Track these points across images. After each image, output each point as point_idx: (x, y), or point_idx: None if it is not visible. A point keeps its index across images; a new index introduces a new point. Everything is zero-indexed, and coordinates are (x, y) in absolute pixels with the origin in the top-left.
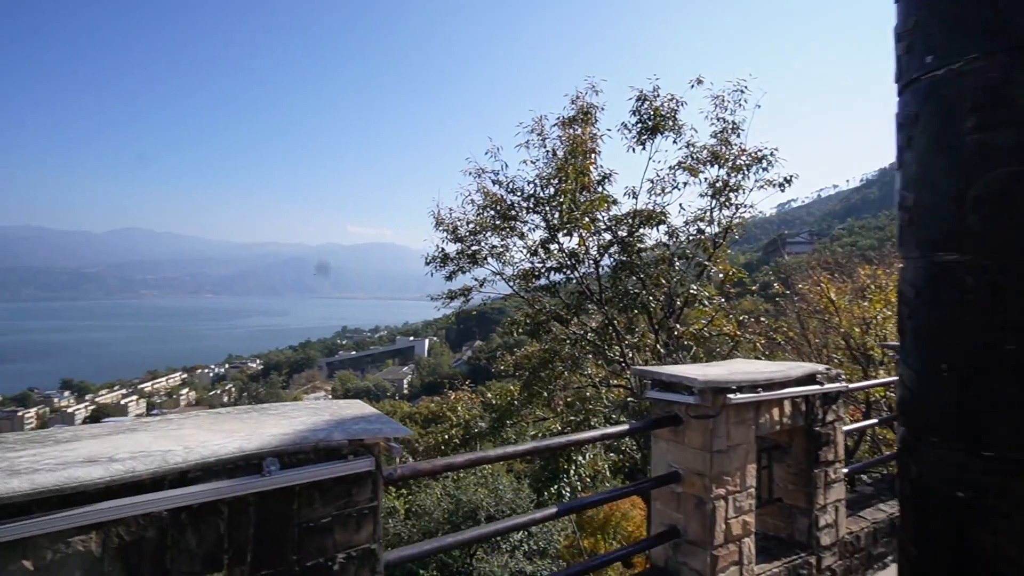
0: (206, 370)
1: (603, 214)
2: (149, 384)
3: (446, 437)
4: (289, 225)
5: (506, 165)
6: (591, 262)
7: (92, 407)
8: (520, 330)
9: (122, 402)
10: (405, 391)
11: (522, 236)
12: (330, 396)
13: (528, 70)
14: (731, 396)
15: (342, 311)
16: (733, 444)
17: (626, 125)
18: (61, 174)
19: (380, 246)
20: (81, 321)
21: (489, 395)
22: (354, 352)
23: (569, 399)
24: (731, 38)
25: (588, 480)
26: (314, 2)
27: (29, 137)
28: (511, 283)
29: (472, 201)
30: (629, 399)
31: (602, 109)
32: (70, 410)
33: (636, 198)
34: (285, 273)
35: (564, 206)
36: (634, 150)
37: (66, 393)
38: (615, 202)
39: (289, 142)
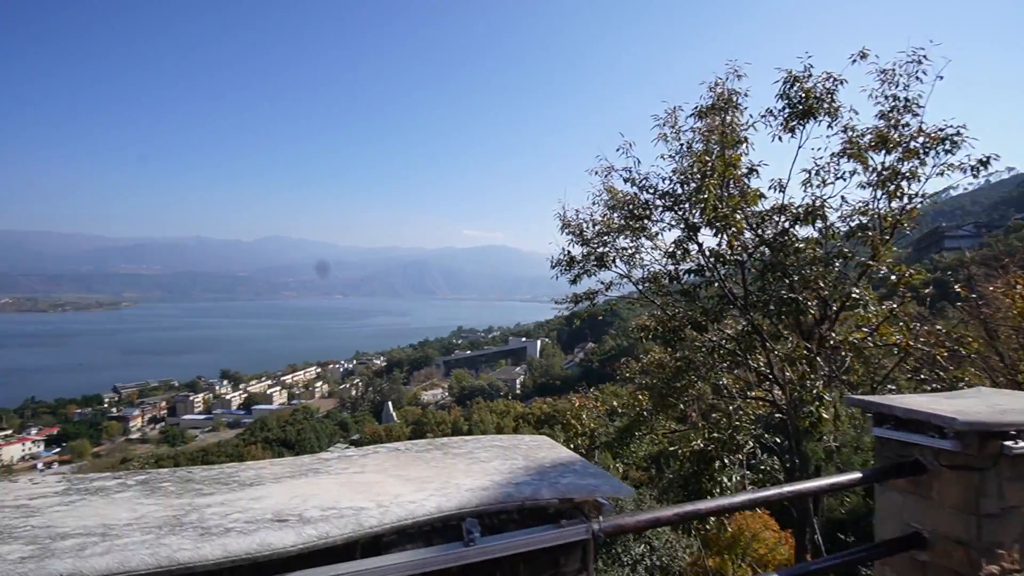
0: (337, 365)
1: (749, 210)
2: (289, 376)
3: (572, 447)
4: (410, 230)
5: (638, 161)
6: (735, 264)
7: (244, 395)
8: (650, 336)
9: (268, 392)
10: (518, 391)
11: (651, 237)
12: (447, 393)
13: (655, 68)
14: (1008, 444)
15: (458, 312)
16: (1010, 507)
17: (771, 111)
18: (222, 189)
19: (493, 249)
20: (235, 319)
21: (615, 403)
22: (469, 352)
23: (707, 412)
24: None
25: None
26: (431, 14)
27: (197, 157)
28: (641, 286)
29: (599, 202)
30: (777, 415)
31: (745, 95)
32: (228, 397)
33: (783, 191)
34: (406, 275)
35: (708, 203)
36: (780, 139)
37: (224, 381)
38: (762, 196)
39: (412, 150)
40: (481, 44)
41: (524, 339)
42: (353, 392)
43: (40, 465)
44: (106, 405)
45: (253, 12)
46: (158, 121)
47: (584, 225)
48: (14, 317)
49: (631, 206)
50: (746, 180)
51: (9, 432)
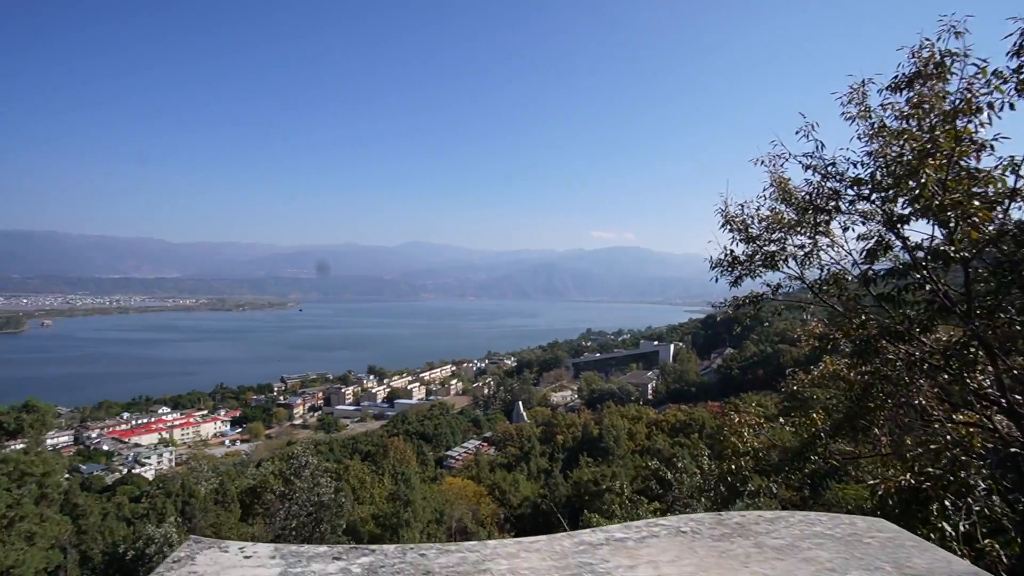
0: (470, 364)
1: (983, 195)
2: (427, 373)
3: (733, 467)
4: (539, 233)
5: (821, 145)
6: (959, 261)
7: (388, 389)
8: (829, 346)
9: (408, 387)
10: (650, 396)
11: (827, 233)
12: (576, 395)
13: (801, 55)
14: None
15: (586, 314)
16: None
17: (997, 73)
18: (370, 200)
19: (623, 250)
20: (381, 319)
21: (782, 420)
22: (598, 354)
23: (916, 439)
24: None
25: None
26: (558, 18)
27: (349, 170)
28: (818, 289)
29: (768, 195)
30: (1013, 450)
31: (964, 56)
32: (374, 390)
33: (1018, 172)
34: (535, 278)
35: (926, 188)
36: (1011, 106)
37: (371, 376)
38: (998, 178)
39: (541, 155)
40: (607, 45)
41: (656, 343)
42: (485, 391)
43: (227, 442)
44: (275, 393)
45: (396, 25)
46: (315, 141)
47: (749, 221)
48: (208, 315)
49: (814, 197)
50: (975, 159)
51: (205, 412)
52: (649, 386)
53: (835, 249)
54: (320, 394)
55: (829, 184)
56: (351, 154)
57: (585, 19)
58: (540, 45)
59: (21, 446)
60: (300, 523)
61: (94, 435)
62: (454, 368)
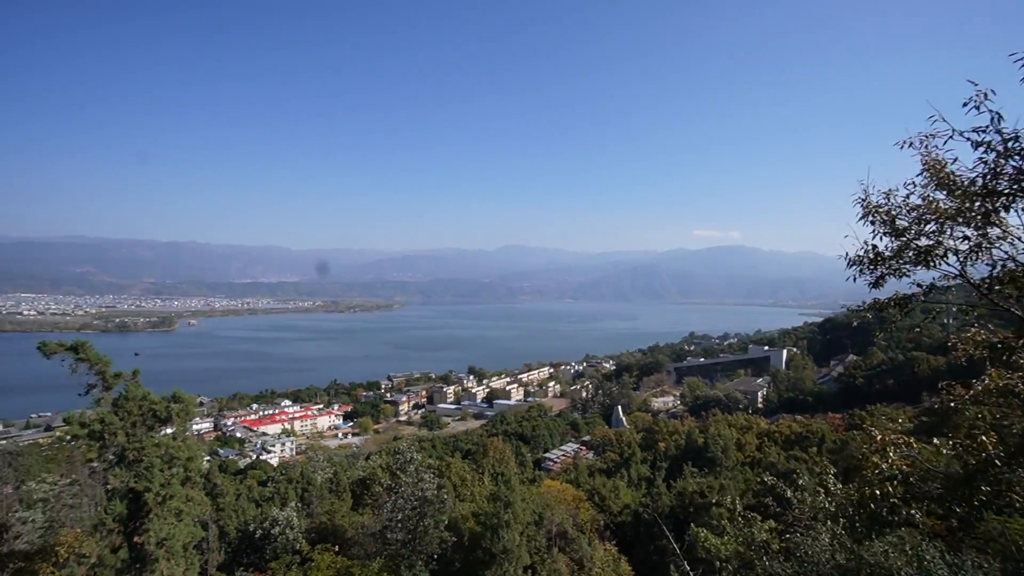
0: (568, 367)
1: None
2: (525, 375)
3: (877, 493)
4: (638, 233)
5: (998, 118)
6: None
7: (487, 390)
8: (1004, 355)
9: (507, 388)
10: (759, 404)
11: (1000, 224)
12: (679, 401)
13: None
14: None
15: (689, 317)
16: None
17: None
18: (470, 204)
19: (728, 250)
20: (479, 320)
21: (936, 441)
22: (702, 359)
23: None
24: None
25: None
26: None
27: (452, 178)
28: (996, 287)
29: (917, 182)
30: None
31: None
32: (473, 390)
33: None
34: (635, 279)
35: None
36: None
37: (471, 376)
38: None
39: (642, 152)
40: (712, 39)
41: (767, 348)
42: (583, 394)
43: (340, 434)
44: (383, 390)
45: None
46: (422, 154)
47: (896, 212)
48: (323, 316)
49: (988, 179)
50: None
51: (321, 406)
52: (759, 394)
53: (1010, 242)
54: (423, 392)
55: (1012, 162)
56: (453, 162)
57: (691, 14)
58: (643, 40)
59: (170, 432)
60: (405, 516)
61: (229, 423)
62: (551, 370)
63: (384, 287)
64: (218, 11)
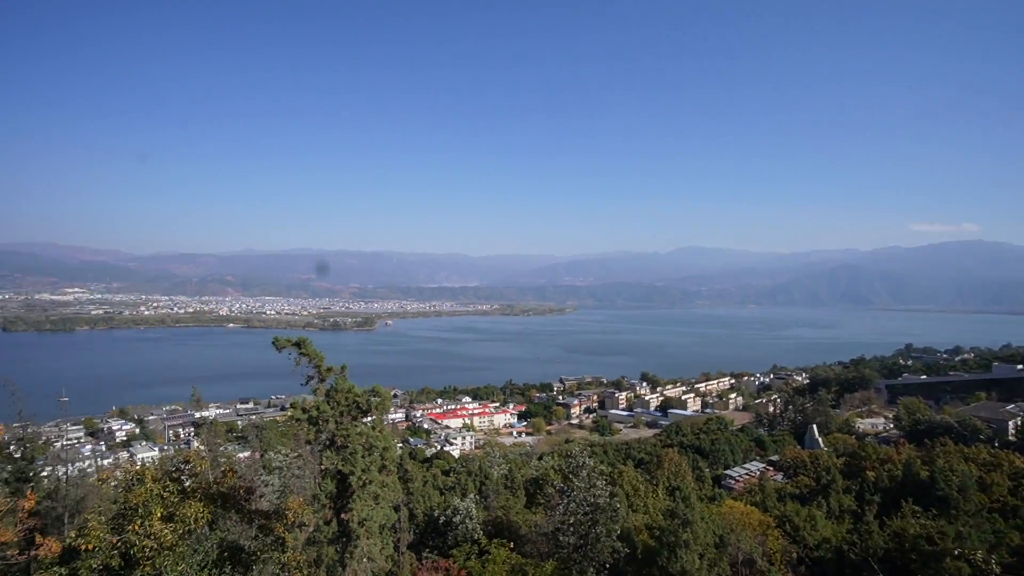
0: (751, 378)
1: None
2: (703, 384)
3: None
4: (836, 230)
5: None
6: None
7: (660, 398)
8: None
9: (682, 397)
10: (1011, 436)
11: None
12: (891, 425)
13: None
14: None
15: (905, 326)
16: None
17: None
18: (643, 207)
19: (961, 246)
20: (652, 326)
21: None
22: (924, 376)
23: None
24: None
25: None
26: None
27: (623, 180)
28: None
29: None
30: None
31: None
32: (646, 397)
33: None
34: (832, 283)
35: None
36: None
37: (644, 383)
38: None
39: (841, 137)
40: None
41: (1021, 367)
42: (770, 408)
43: (515, 433)
44: (555, 392)
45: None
46: (587, 159)
47: None
48: (499, 318)
49: None
50: None
51: (497, 404)
52: (1010, 424)
53: None
54: (595, 397)
55: None
56: (625, 162)
57: None
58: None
59: (370, 421)
60: (577, 520)
61: (418, 415)
62: (733, 381)
63: (556, 291)
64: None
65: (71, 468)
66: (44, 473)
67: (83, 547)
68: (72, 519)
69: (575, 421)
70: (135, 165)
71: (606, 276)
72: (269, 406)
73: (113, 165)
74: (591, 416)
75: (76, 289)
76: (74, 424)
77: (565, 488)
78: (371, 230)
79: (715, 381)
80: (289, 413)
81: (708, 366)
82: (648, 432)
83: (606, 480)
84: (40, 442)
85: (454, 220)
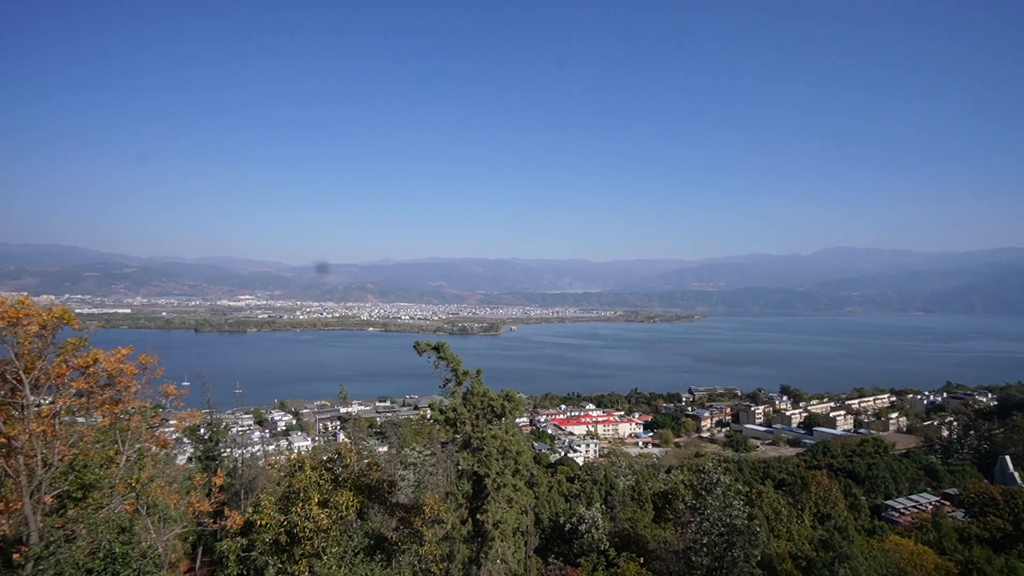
0: (919, 396)
1: None
2: (856, 401)
3: None
4: None
5: None
6: None
7: (804, 414)
8: None
9: (830, 414)
10: None
11: None
12: None
13: None
14: None
15: None
16: None
17: None
18: (779, 207)
19: None
20: (794, 334)
21: None
22: None
23: None
24: None
25: None
26: None
27: (754, 178)
28: None
29: None
30: None
31: None
32: (788, 412)
33: None
34: None
35: None
36: None
37: (784, 397)
38: None
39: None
40: None
41: None
42: (944, 432)
43: (640, 443)
44: (683, 403)
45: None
46: (714, 156)
47: None
48: (623, 325)
49: None
50: None
51: (622, 413)
52: None
53: None
54: (728, 409)
55: None
56: (752, 158)
57: None
58: None
59: (503, 425)
60: (711, 541)
61: (542, 420)
62: (894, 398)
63: (684, 297)
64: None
65: (245, 452)
66: (224, 454)
67: (258, 522)
68: (247, 496)
69: (706, 434)
70: (292, 187)
71: (739, 281)
72: (404, 405)
73: (275, 188)
74: (723, 430)
75: (247, 296)
76: (246, 413)
77: (697, 505)
78: (496, 238)
79: (871, 398)
80: (423, 413)
81: (861, 380)
82: (789, 451)
83: (743, 500)
84: (222, 427)
85: (577, 226)
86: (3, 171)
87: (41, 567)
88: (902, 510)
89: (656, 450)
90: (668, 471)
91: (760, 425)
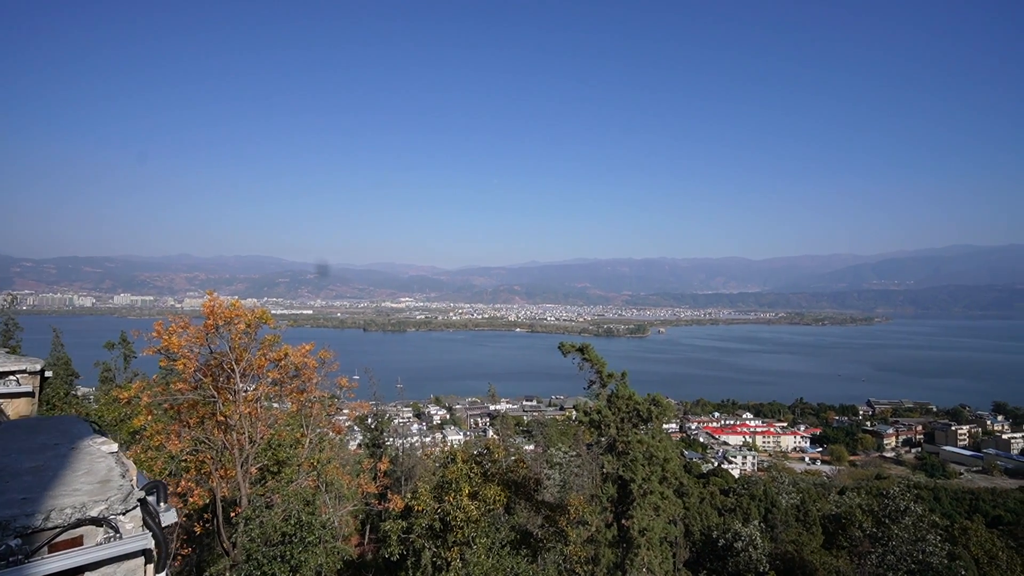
0: None
1: None
2: None
3: None
4: None
5: None
6: None
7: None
8: None
9: None
10: None
11: None
12: None
13: None
14: None
15: None
16: None
17: None
18: (979, 188)
19: None
20: (1009, 341)
21: None
22: None
23: None
24: None
25: None
26: None
27: (951, 158)
28: None
29: None
30: None
31: None
32: (1004, 436)
33: None
34: None
35: None
36: None
37: (999, 417)
38: None
39: None
40: None
41: None
42: None
43: (807, 459)
44: (860, 417)
45: None
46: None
47: None
48: (785, 328)
49: None
50: None
51: (785, 424)
52: None
53: None
54: (919, 427)
55: None
56: (953, 125)
57: None
58: None
59: (649, 430)
60: None
61: (693, 427)
62: None
63: (860, 297)
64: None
65: (405, 442)
66: (388, 443)
67: (416, 508)
68: (406, 482)
69: (889, 454)
70: (445, 196)
71: (934, 277)
72: (550, 405)
73: (427, 197)
74: (913, 451)
75: (406, 298)
76: (405, 406)
77: (879, 535)
78: (644, 238)
79: None
80: (568, 414)
81: None
82: (1008, 482)
83: (942, 535)
84: (386, 418)
85: (733, 222)
86: (220, 190)
87: (250, 526)
88: None
89: (826, 468)
90: (841, 492)
91: (965, 448)
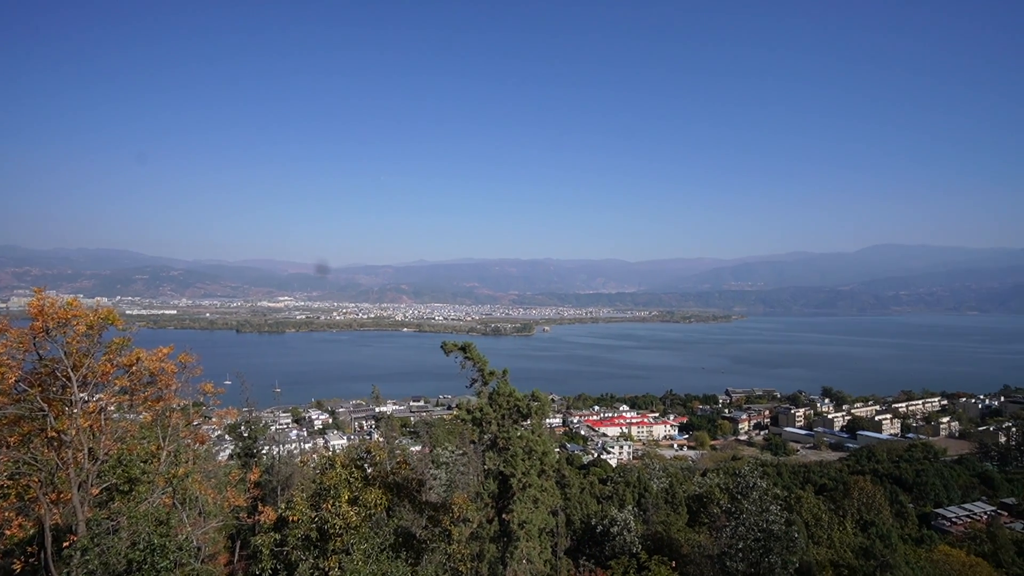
0: (972, 399)
1: None
2: (903, 404)
3: None
4: None
5: None
6: None
7: (847, 417)
8: None
9: (876, 418)
10: None
11: None
12: None
13: None
14: None
15: None
16: None
17: None
18: (816, 205)
19: None
20: (835, 335)
21: None
22: None
23: None
24: None
25: None
26: None
27: (792, 177)
28: None
29: None
30: None
31: None
32: (830, 416)
33: None
34: None
35: None
36: None
37: (826, 400)
38: None
39: None
40: None
41: None
42: (1001, 438)
43: (675, 445)
44: (720, 405)
45: None
46: (752, 149)
47: None
48: (658, 325)
49: None
50: None
51: (657, 414)
52: None
53: None
54: (767, 412)
55: None
56: (794, 149)
57: None
58: None
59: (529, 425)
60: (747, 546)
61: (575, 421)
62: (945, 402)
63: (721, 297)
64: None
65: (282, 449)
66: (263, 451)
67: (291, 518)
68: (282, 492)
69: (743, 437)
70: (328, 191)
71: (779, 280)
72: (437, 405)
73: (312, 192)
74: (762, 433)
75: (286, 297)
76: (283, 411)
77: (733, 509)
78: (530, 239)
79: (920, 401)
80: (455, 413)
81: (909, 383)
82: (831, 455)
83: (781, 505)
84: (260, 425)
85: (612, 226)
86: (61, 177)
87: (87, 557)
88: (954, 519)
89: (691, 453)
90: (703, 474)
91: (800, 428)
